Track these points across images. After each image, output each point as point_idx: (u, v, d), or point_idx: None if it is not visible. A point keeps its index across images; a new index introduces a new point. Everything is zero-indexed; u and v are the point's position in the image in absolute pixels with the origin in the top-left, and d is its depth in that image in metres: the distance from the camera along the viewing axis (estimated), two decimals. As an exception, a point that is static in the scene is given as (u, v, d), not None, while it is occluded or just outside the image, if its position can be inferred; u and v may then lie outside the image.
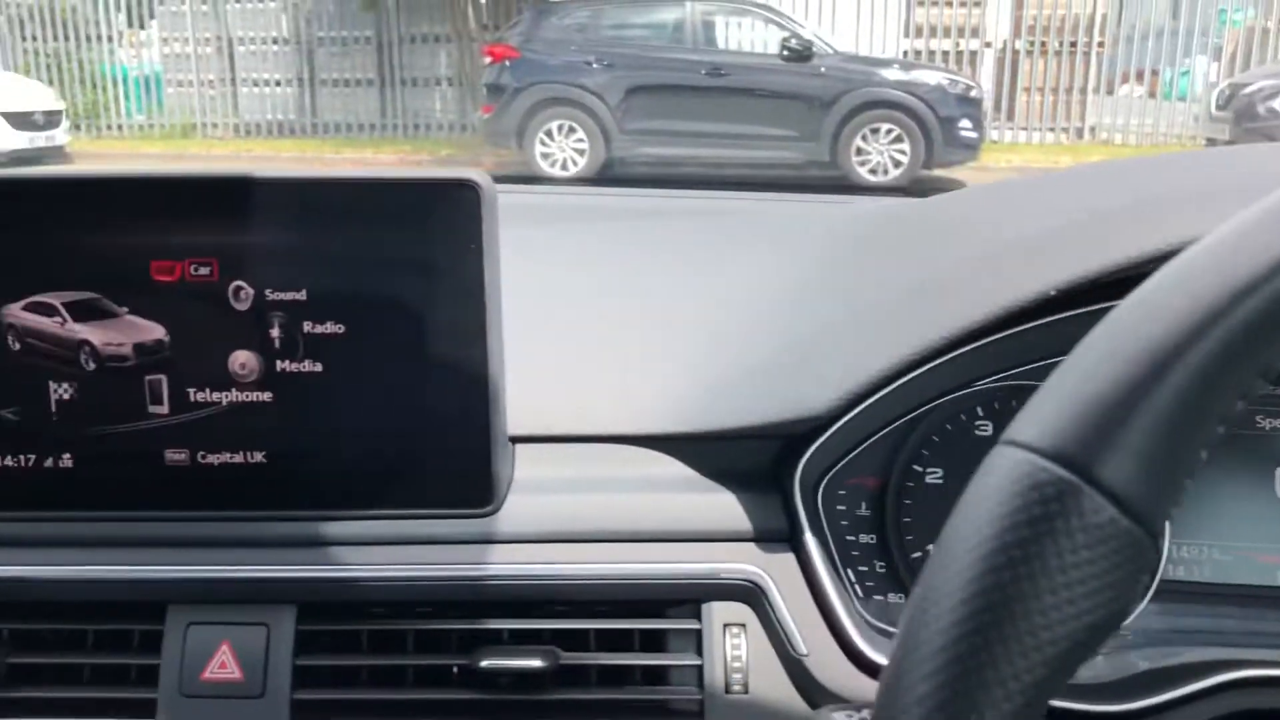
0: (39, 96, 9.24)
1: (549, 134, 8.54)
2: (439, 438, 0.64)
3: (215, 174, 0.63)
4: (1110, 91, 10.61)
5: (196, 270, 0.63)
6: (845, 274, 0.79)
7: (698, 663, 0.67)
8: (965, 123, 8.54)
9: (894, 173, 8.43)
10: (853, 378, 0.65)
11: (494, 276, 0.63)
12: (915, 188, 8.19)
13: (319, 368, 0.64)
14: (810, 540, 0.68)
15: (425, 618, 0.68)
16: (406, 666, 0.68)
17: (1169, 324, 0.35)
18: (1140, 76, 10.48)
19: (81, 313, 0.63)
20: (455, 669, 0.68)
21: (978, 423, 0.75)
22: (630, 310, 0.81)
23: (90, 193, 0.62)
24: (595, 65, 8.55)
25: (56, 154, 9.16)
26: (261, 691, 0.65)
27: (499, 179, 0.65)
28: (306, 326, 0.64)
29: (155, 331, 0.64)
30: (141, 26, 11.17)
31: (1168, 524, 0.36)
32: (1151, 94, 10.41)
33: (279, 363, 0.64)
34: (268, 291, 0.63)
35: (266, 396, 0.64)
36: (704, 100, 8.56)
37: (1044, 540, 0.34)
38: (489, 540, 0.66)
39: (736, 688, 0.66)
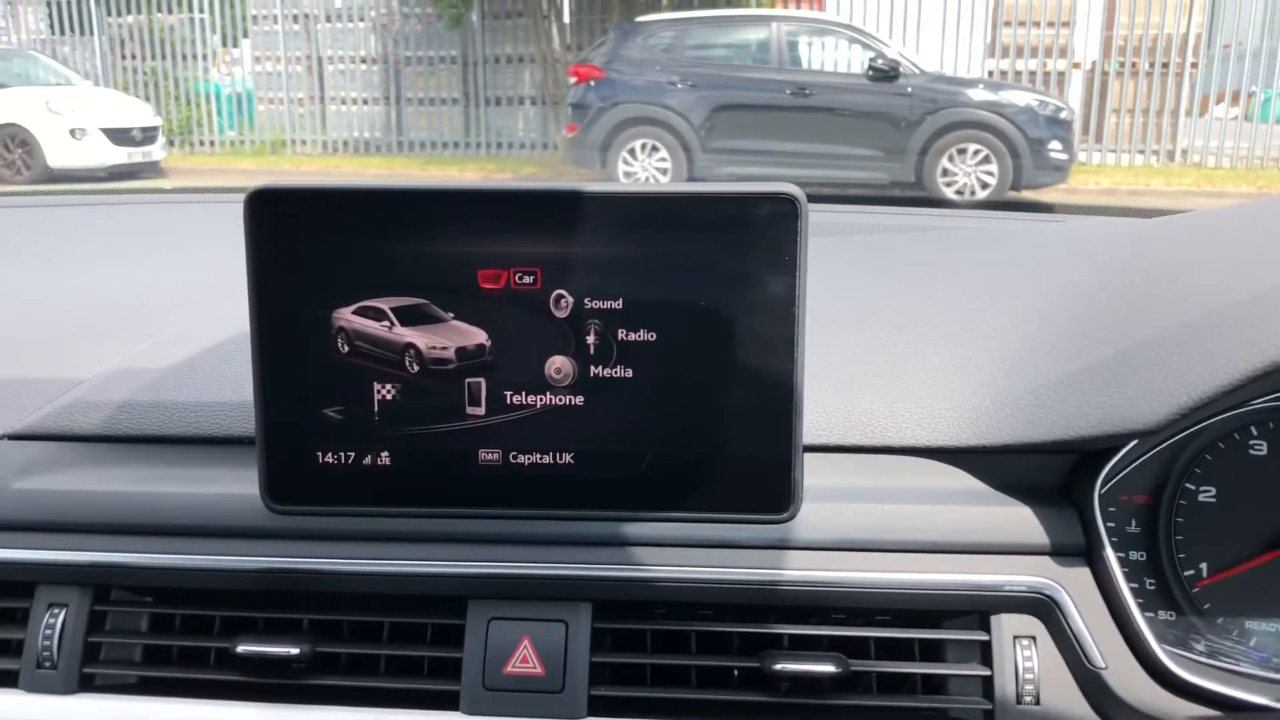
0: (137, 113, 9.57)
1: (632, 153, 8.61)
2: (742, 444, 0.66)
3: (541, 188, 0.65)
4: (1202, 113, 10.39)
5: (521, 279, 0.65)
6: (1135, 295, 0.79)
7: (986, 673, 0.68)
8: (1055, 144, 8.42)
9: (980, 194, 8.34)
10: (1183, 392, 0.65)
11: (804, 290, 0.65)
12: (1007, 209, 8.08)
13: (630, 373, 0.66)
14: (1110, 554, 0.68)
15: (708, 620, 0.70)
16: (690, 667, 0.69)
17: None
18: (1235, 98, 10.24)
19: (408, 318, 0.66)
20: (736, 671, 0.70)
21: (1251, 441, 0.75)
22: (914, 323, 0.82)
23: (422, 204, 0.65)
24: (679, 85, 8.61)
25: (152, 169, 9.47)
26: (561, 686, 0.68)
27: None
28: (621, 334, 0.66)
29: (478, 337, 0.66)
30: (234, 45, 11.52)
31: None
32: (1246, 116, 10.16)
33: (593, 368, 0.66)
34: (586, 300, 0.65)
35: (579, 400, 0.66)
36: (788, 120, 8.56)
37: None
38: (784, 546, 0.68)
39: (1028, 699, 0.67)
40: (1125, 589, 0.71)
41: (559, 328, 0.66)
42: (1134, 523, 0.75)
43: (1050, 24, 10.35)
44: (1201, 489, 0.75)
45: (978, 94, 8.49)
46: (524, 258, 0.66)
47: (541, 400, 0.67)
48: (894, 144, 8.41)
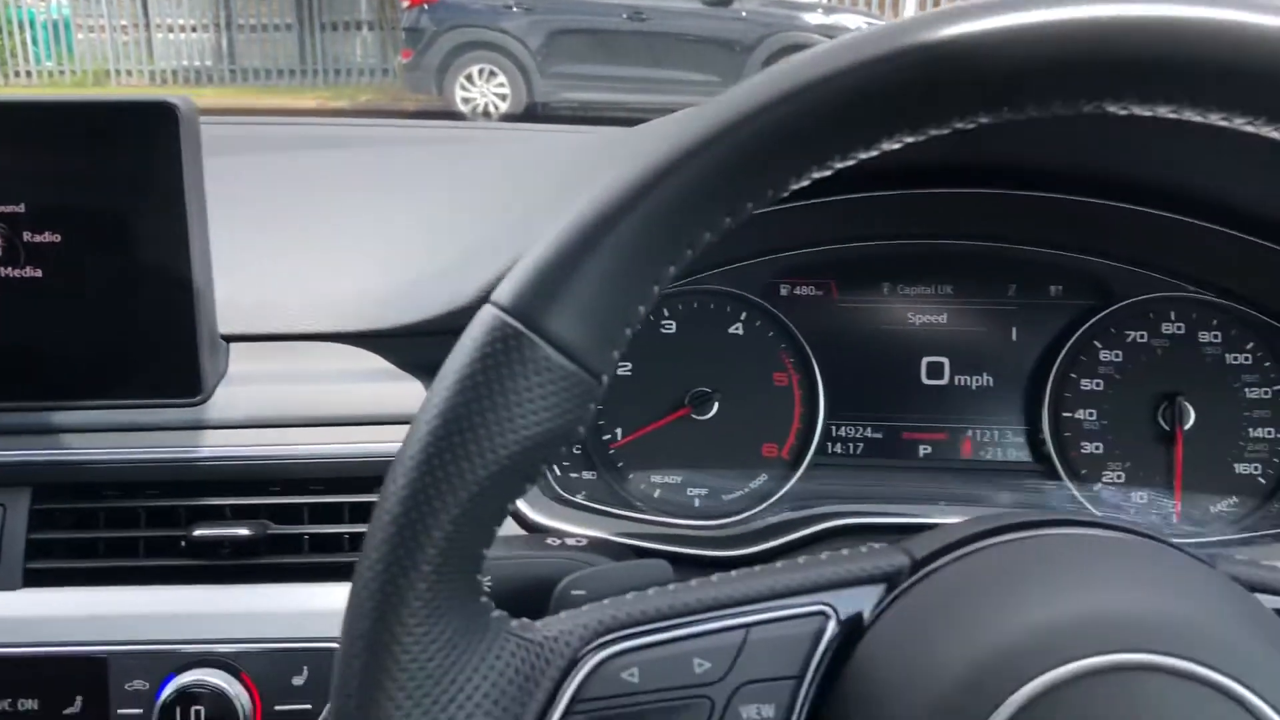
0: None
1: (470, 78, 8.49)
2: (148, 335, 0.73)
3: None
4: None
5: (-81, 185, 0.70)
6: (523, 195, 0.88)
7: None
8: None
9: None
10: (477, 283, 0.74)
11: (195, 191, 0.71)
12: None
13: (39, 273, 0.72)
14: None
15: (154, 498, 0.77)
16: (138, 539, 0.76)
17: (602, 202, 0.45)
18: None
19: None
20: (183, 542, 0.77)
21: (663, 321, 0.85)
22: (336, 227, 0.90)
23: None
24: (515, 9, 8.49)
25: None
26: None
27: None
28: (27, 236, 0.71)
29: (-115, 241, 0.71)
30: (49, -31, 10.83)
31: (616, 355, 0.45)
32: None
33: (2, 269, 0.72)
34: (-12, 204, 0.71)
35: (-10, 299, 0.72)
36: (625, 44, 8.55)
37: (497, 375, 0.44)
38: (199, 426, 0.75)
39: None
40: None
41: (-38, 231, 0.71)
42: (561, 395, 0.85)
43: (886, -53, 10.53)
44: (621, 364, 0.85)
45: (813, 18, 8.62)
46: (-79, 166, 0.70)
47: (-46, 298, 0.72)
48: (730, 68, 8.49)
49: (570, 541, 0.65)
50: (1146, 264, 0.83)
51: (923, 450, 0.86)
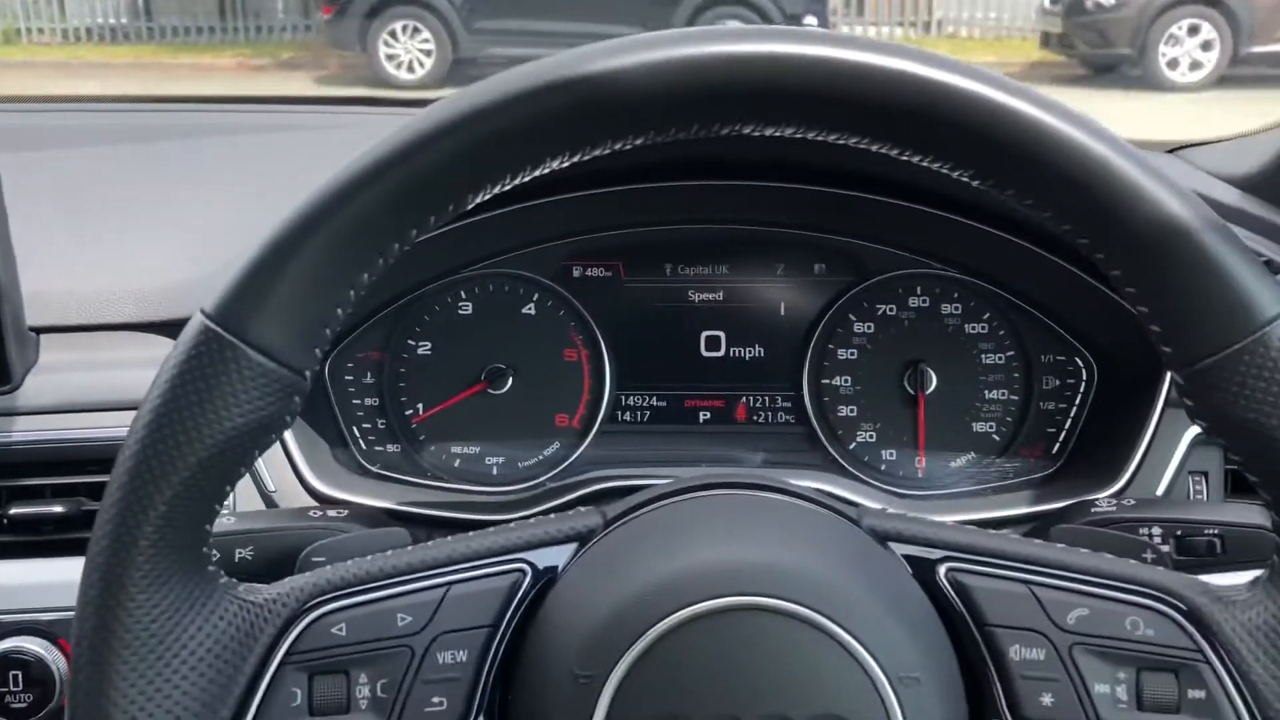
0: None
1: (393, 35, 8.39)
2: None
3: None
4: (956, -15, 10.86)
5: None
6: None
7: None
8: (810, 19, 8.68)
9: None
10: None
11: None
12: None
13: None
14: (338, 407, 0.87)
15: None
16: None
17: (298, 215, 0.51)
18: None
19: None
20: (4, 520, 0.83)
21: (460, 304, 0.92)
22: (149, 218, 0.96)
23: None
24: (438, -38, 8.39)
25: None
26: None
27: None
28: None
29: None
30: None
31: (318, 352, 0.52)
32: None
33: None
34: None
35: None
36: (551, -1, 8.50)
37: (202, 375, 0.50)
38: (10, 413, 0.81)
39: None
40: (345, 429, 0.88)
41: None
42: (369, 375, 0.92)
43: (812, -104, 10.51)
44: (421, 344, 0.92)
45: (738, -30, 8.62)
46: None
47: None
48: (656, 22, 8.47)
49: (331, 513, 0.72)
50: (896, 244, 0.91)
51: (703, 416, 0.94)
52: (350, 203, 0.50)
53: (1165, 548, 0.69)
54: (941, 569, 0.57)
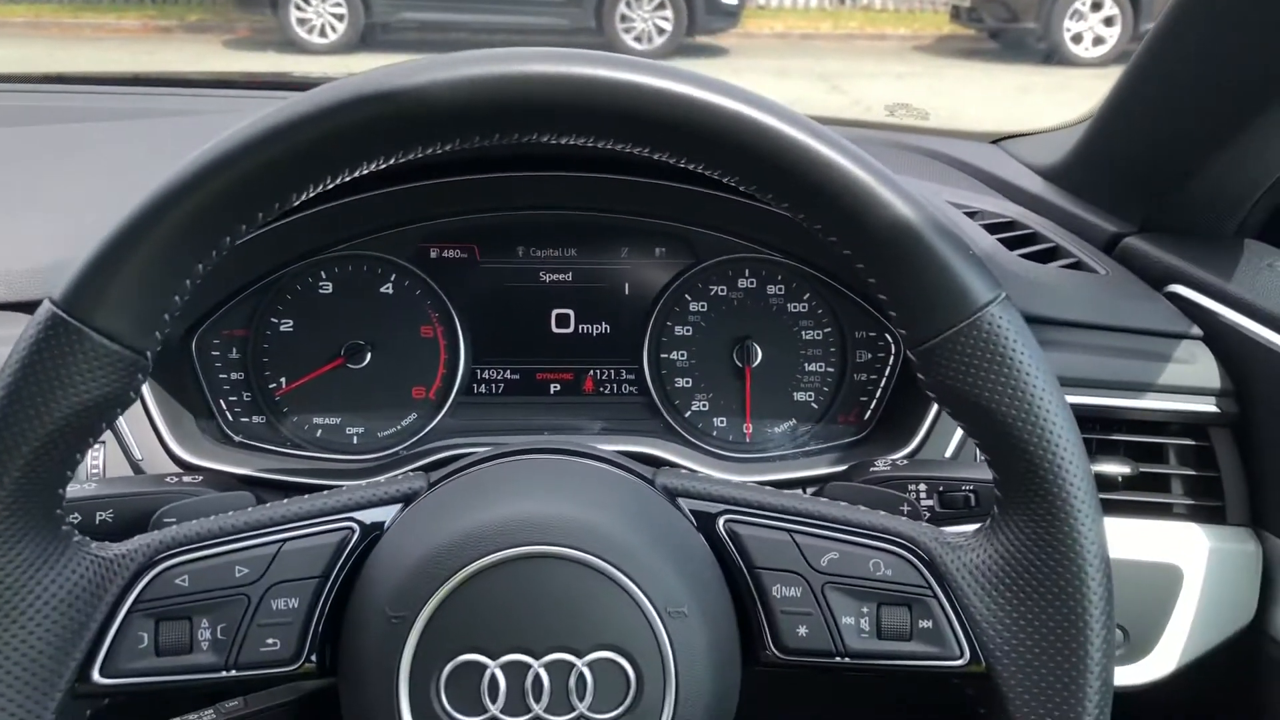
0: None
1: (305, -1, 8.24)
2: None
3: None
4: (870, -43, 10.99)
5: None
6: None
7: None
8: (728, -6, 8.75)
9: (658, 40, 8.60)
10: None
11: None
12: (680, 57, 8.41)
13: None
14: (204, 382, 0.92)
15: None
16: None
17: (139, 208, 0.57)
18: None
19: None
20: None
21: (321, 283, 0.99)
22: (16, 201, 1.00)
23: None
24: (348, -79, 8.23)
25: None
26: None
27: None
28: None
29: None
30: None
31: (158, 334, 0.58)
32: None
33: None
34: None
35: None
36: (466, -39, 8.41)
37: (49, 356, 0.56)
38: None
39: None
40: (211, 402, 0.94)
41: None
42: (234, 350, 0.98)
43: None
44: (283, 321, 0.98)
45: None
46: None
47: None
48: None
49: (187, 479, 0.78)
50: (727, 231, 1.00)
51: (553, 388, 1.02)
52: (185, 199, 0.57)
53: (930, 502, 0.79)
54: (720, 520, 0.66)
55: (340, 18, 8.27)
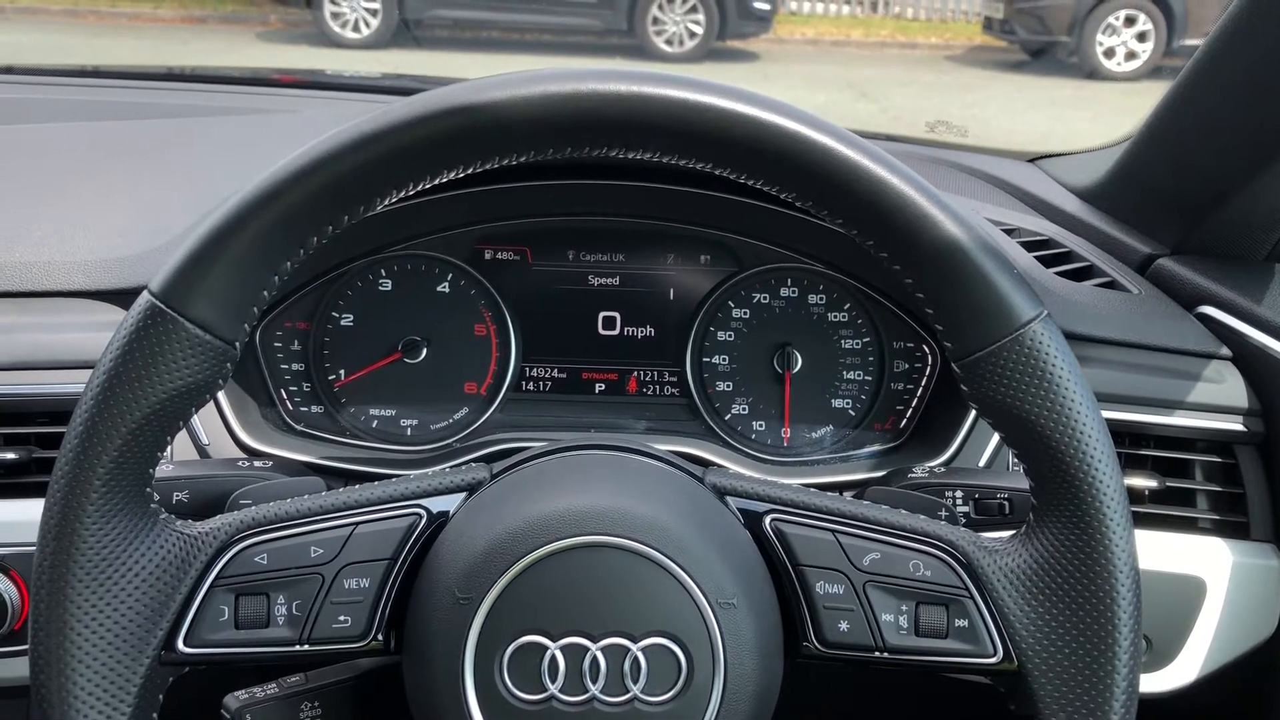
0: None
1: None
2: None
3: None
4: (902, -35, 10.99)
5: None
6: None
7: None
8: (762, 3, 8.76)
9: (689, 44, 8.63)
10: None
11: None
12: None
13: None
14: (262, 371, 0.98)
15: None
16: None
17: (234, 207, 0.61)
18: (929, -48, 10.87)
19: None
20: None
21: (380, 280, 1.03)
22: (97, 193, 1.04)
23: None
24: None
25: None
26: None
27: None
28: None
29: None
30: None
31: (247, 327, 0.62)
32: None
33: None
34: None
35: None
36: (500, -40, 8.46)
37: (148, 344, 0.60)
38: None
39: None
40: (273, 391, 0.99)
41: None
42: (295, 343, 1.02)
43: None
44: (344, 316, 1.02)
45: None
46: None
47: None
48: (603, -15, 8.51)
49: (257, 463, 0.83)
50: (771, 241, 1.03)
51: (598, 388, 1.06)
52: (277, 201, 0.61)
53: (965, 508, 0.82)
54: (767, 519, 0.69)
55: (374, 13, 8.33)
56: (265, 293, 0.63)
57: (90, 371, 0.62)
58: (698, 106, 0.60)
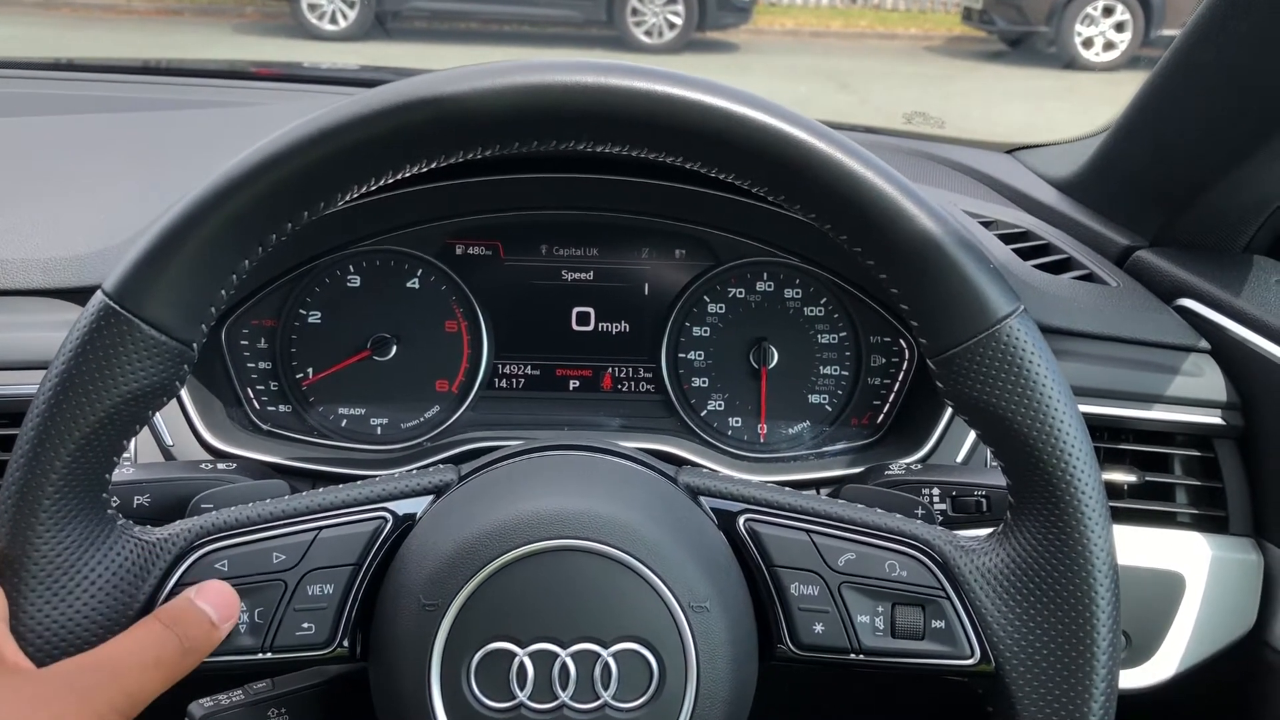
0: None
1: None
2: None
3: None
4: (882, -44, 10.98)
5: None
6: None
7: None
8: (743, -8, 8.75)
9: (668, 35, 8.60)
10: None
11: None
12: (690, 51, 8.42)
13: None
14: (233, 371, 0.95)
15: None
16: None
17: (188, 205, 0.59)
18: (908, -58, 10.87)
19: None
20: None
21: (349, 276, 1.01)
22: (54, 190, 1.02)
23: None
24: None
25: None
26: None
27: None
28: None
29: None
30: None
31: (204, 326, 0.60)
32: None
33: None
34: None
35: None
36: (478, -49, 8.41)
37: (101, 345, 0.58)
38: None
39: None
40: (239, 390, 0.97)
41: None
42: (262, 341, 1.00)
43: None
44: (311, 313, 1.00)
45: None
46: None
47: None
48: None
49: (220, 465, 0.81)
50: (746, 235, 1.02)
51: (572, 385, 1.04)
52: (232, 198, 0.59)
53: (942, 505, 0.81)
54: (741, 519, 0.68)
55: (351, 4, 8.26)
56: (224, 292, 0.61)
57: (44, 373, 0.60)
58: (667, 99, 0.58)
